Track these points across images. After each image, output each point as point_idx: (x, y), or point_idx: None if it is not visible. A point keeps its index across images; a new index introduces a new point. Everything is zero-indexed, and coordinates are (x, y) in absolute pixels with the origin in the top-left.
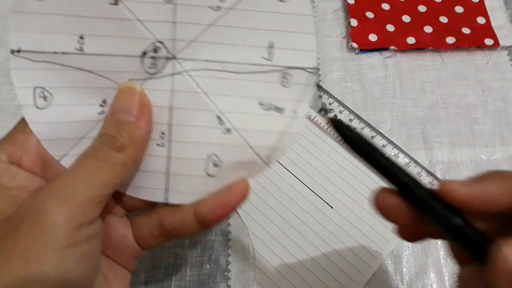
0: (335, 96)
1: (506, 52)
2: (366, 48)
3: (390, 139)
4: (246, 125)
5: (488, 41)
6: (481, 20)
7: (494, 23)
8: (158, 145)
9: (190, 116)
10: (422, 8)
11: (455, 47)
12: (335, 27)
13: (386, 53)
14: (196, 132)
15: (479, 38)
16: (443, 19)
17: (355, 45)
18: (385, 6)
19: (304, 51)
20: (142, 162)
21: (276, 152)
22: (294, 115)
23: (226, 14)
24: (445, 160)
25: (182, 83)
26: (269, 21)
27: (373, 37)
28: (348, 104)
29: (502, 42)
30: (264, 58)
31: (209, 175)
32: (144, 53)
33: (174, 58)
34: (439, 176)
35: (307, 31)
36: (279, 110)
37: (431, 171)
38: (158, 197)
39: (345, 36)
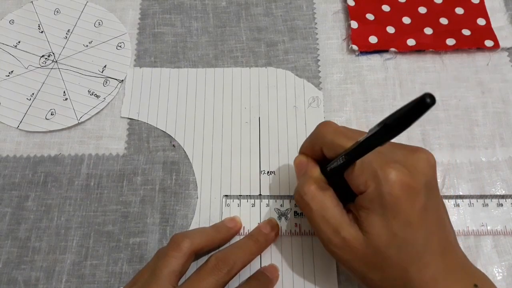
0: (336, 97)
1: (507, 53)
2: (366, 50)
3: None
4: (77, 99)
5: (488, 43)
6: (481, 21)
7: (494, 25)
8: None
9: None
10: (422, 10)
11: (455, 49)
12: (335, 29)
13: (386, 55)
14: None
15: (479, 39)
16: (443, 21)
17: (355, 47)
18: (385, 8)
19: (119, 72)
20: None
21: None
22: (105, 100)
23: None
24: (445, 162)
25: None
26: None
27: (373, 39)
28: (348, 106)
29: (502, 44)
30: (99, 71)
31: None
32: (43, 55)
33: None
34: (439, 178)
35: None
36: (97, 96)
37: None
38: None
39: (345, 38)
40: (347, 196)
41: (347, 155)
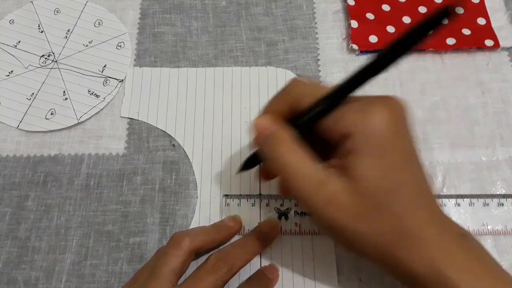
0: None
1: (507, 53)
2: (367, 49)
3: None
4: (77, 98)
5: (489, 42)
6: (481, 21)
7: (494, 24)
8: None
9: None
10: (422, 9)
11: (455, 48)
12: (335, 28)
13: None
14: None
15: (480, 39)
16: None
17: (355, 46)
18: (386, 7)
19: (119, 71)
20: None
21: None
22: (104, 100)
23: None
24: (445, 162)
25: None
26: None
27: (373, 39)
28: None
29: (502, 43)
30: (99, 70)
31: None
32: (43, 55)
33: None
34: (439, 178)
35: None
36: (97, 96)
37: (431, 173)
38: None
39: (345, 38)
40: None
41: (329, 98)
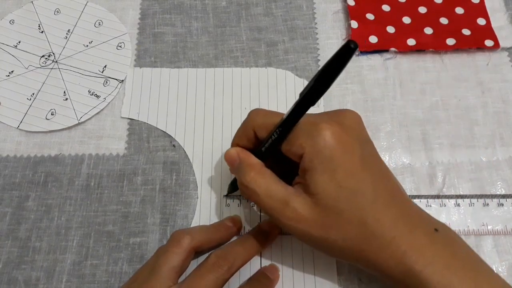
0: (336, 97)
1: (507, 53)
2: (367, 49)
3: (391, 140)
4: (78, 99)
5: (489, 42)
6: (481, 21)
7: (494, 24)
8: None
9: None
10: (422, 10)
11: (455, 49)
12: (335, 28)
13: (386, 55)
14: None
15: (480, 39)
16: (444, 20)
17: None
18: (385, 8)
19: (119, 72)
20: None
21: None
22: (105, 100)
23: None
24: (445, 162)
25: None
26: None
27: (373, 39)
28: (348, 106)
29: (502, 43)
30: (99, 71)
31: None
32: (43, 55)
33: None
34: (439, 178)
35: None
36: (97, 96)
37: (431, 173)
38: None
39: (345, 38)
40: (287, 174)
41: (280, 127)
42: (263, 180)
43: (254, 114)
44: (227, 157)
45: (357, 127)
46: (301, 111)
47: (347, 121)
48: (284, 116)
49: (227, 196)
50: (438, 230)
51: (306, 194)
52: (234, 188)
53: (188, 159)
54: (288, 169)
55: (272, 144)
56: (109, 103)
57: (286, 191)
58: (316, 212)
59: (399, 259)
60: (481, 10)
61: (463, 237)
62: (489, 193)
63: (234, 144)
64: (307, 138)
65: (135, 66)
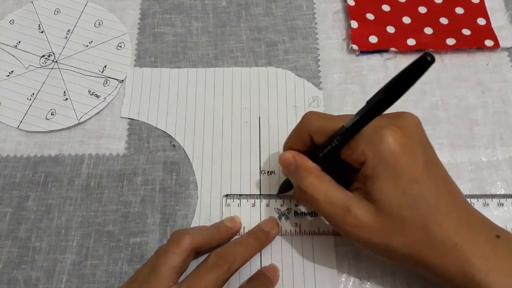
0: (336, 97)
1: (507, 53)
2: (367, 49)
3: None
4: (78, 99)
5: (489, 42)
6: (481, 21)
7: (494, 24)
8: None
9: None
10: (422, 10)
11: (455, 49)
12: (335, 29)
13: (386, 55)
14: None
15: (480, 39)
16: (444, 20)
17: (355, 47)
18: (385, 8)
19: (119, 72)
20: None
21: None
22: (105, 100)
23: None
24: (445, 162)
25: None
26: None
27: (373, 39)
28: (348, 106)
29: (502, 43)
30: (99, 71)
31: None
32: (43, 55)
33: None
34: None
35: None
36: (97, 96)
37: None
38: None
39: (345, 38)
40: (346, 179)
41: (342, 134)
42: (322, 185)
43: (309, 117)
44: (282, 161)
45: (417, 129)
46: (366, 120)
47: (407, 125)
48: (347, 125)
49: (227, 196)
50: (500, 236)
51: (367, 201)
52: (287, 189)
53: (188, 159)
54: (342, 172)
55: (331, 150)
56: (109, 103)
57: (346, 197)
58: (379, 220)
59: (461, 266)
60: (481, 10)
61: None
62: (489, 193)
63: (287, 147)
64: (369, 144)
65: (135, 66)
